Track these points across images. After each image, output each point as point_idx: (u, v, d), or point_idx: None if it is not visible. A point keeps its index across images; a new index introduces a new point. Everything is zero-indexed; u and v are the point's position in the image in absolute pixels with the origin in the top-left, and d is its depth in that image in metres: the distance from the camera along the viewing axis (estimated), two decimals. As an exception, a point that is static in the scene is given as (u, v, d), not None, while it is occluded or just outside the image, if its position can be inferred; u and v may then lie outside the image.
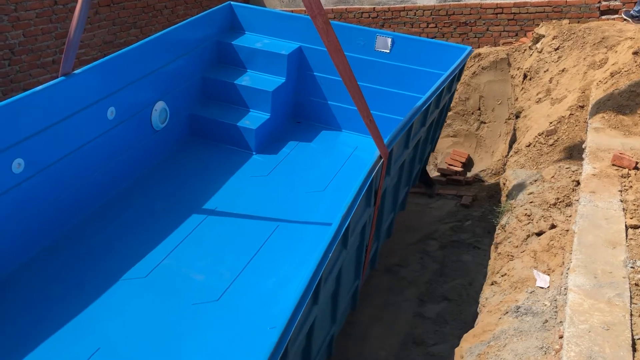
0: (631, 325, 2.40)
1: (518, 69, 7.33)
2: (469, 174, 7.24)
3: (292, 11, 8.61)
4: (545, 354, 2.68)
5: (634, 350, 2.30)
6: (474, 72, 7.60)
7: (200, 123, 5.00)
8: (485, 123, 7.52)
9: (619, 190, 3.42)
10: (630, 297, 2.56)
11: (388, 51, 5.20)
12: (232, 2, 5.54)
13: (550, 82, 6.00)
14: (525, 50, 7.56)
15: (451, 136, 7.59)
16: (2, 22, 6.28)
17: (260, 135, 4.91)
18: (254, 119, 4.96)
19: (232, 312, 3.29)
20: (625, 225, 3.08)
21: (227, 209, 4.16)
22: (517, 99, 6.84)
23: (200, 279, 3.51)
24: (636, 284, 2.66)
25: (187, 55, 4.92)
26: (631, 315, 2.45)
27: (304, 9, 4.99)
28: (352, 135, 5.21)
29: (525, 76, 6.79)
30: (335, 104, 5.31)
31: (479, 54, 7.88)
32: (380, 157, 3.57)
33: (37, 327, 3.14)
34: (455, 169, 7.25)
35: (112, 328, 3.16)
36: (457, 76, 5.32)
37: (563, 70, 5.98)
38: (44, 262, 3.58)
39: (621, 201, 3.31)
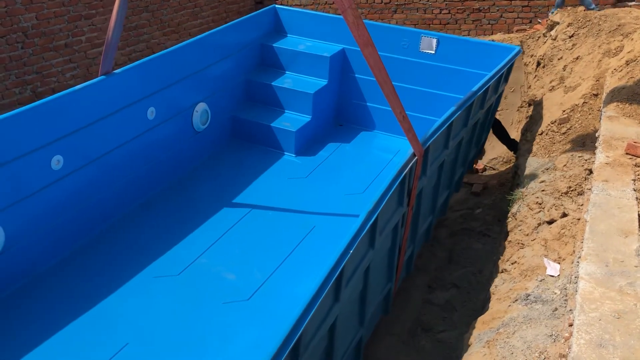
0: (642, 314, 2.39)
1: (532, 56, 7.26)
2: (480, 162, 7.20)
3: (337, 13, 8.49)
4: (555, 341, 2.68)
5: (645, 338, 2.30)
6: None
7: (241, 125, 5.03)
8: (498, 111, 7.46)
9: (633, 180, 3.40)
10: (642, 286, 2.55)
11: (433, 52, 5.14)
12: (276, 5, 5.56)
13: (564, 70, 5.94)
14: (539, 37, 7.49)
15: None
16: (15, 4, 6.30)
17: (300, 137, 4.92)
18: (294, 121, 4.97)
19: (261, 313, 3.30)
20: (638, 214, 3.06)
21: (263, 210, 4.19)
22: (530, 86, 6.79)
23: (232, 279, 3.54)
24: (648, 273, 2.65)
25: (230, 58, 4.94)
26: (642, 304, 2.44)
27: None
28: (394, 138, 5.17)
29: (538, 64, 6.73)
30: (378, 106, 5.26)
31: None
32: (414, 155, 3.49)
33: (68, 321, 3.19)
34: (467, 156, 7.21)
35: (142, 324, 3.20)
36: (504, 76, 5.19)
37: (577, 58, 5.92)
38: (82, 257, 3.64)
39: (634, 190, 3.28)
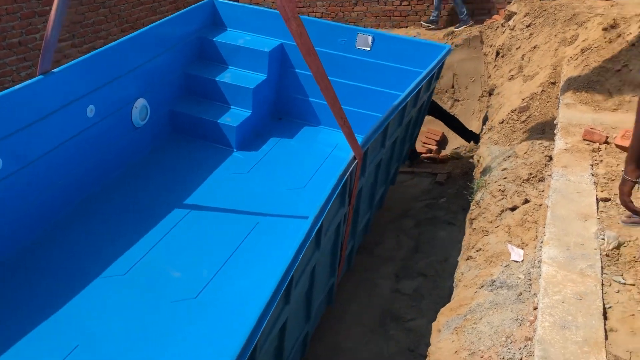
0: (602, 294, 2.46)
1: (491, 46, 7.38)
2: (443, 152, 7.30)
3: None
4: (520, 325, 2.74)
5: (605, 318, 2.37)
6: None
7: (181, 120, 4.99)
8: (458, 101, 7.58)
9: (590, 165, 3.49)
10: (602, 268, 2.63)
11: (369, 49, 5.24)
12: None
13: (523, 59, 6.06)
14: (497, 27, 7.60)
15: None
16: (-35, 2, 6.09)
17: (241, 132, 4.92)
18: (235, 116, 4.96)
19: (210, 310, 3.31)
20: (596, 198, 3.14)
21: (206, 207, 4.17)
22: (489, 76, 6.89)
23: (179, 277, 3.53)
24: (607, 255, 2.73)
25: (168, 52, 4.88)
26: (602, 285, 2.52)
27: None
28: (334, 132, 5.23)
29: (497, 53, 6.84)
30: (318, 100, 5.32)
31: (452, 32, 7.90)
32: (355, 158, 3.59)
33: (15, 324, 3.12)
34: (430, 147, 7.31)
35: (91, 326, 3.16)
36: (435, 75, 5.36)
37: (535, 47, 6.03)
38: (24, 260, 3.55)
39: (592, 175, 3.37)
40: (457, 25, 8.31)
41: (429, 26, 8.43)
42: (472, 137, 6.58)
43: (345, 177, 3.46)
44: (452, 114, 7.31)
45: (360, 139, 3.75)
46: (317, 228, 3.06)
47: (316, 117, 5.36)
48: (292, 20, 2.64)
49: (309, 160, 4.82)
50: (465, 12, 8.15)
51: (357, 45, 5.27)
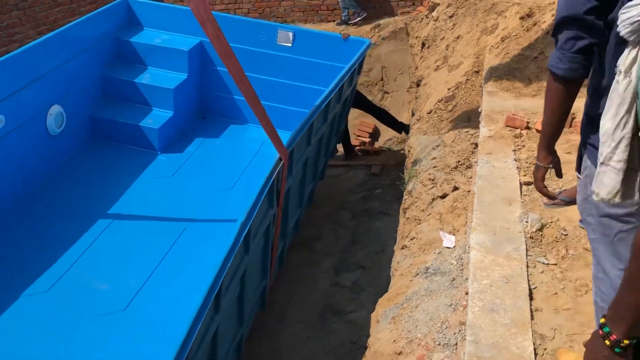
0: (528, 276, 2.56)
1: (416, 37, 7.51)
2: (376, 144, 7.40)
3: None
4: (454, 310, 2.81)
5: (531, 299, 2.46)
6: (375, 43, 7.71)
7: (100, 125, 4.81)
8: (388, 93, 7.68)
9: (513, 150, 3.61)
10: (526, 250, 2.73)
11: (290, 45, 5.24)
12: None
13: (447, 50, 6.20)
14: (422, 19, 7.75)
15: (357, 107, 7.70)
16: None
17: (164, 134, 4.80)
18: (156, 118, 4.83)
19: (140, 321, 3.22)
20: (520, 182, 3.26)
21: (131, 214, 4.04)
22: (417, 67, 7.02)
23: (105, 289, 3.40)
24: (531, 237, 2.84)
25: (82, 55, 4.67)
26: (527, 266, 2.61)
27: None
28: (260, 128, 5.18)
29: (423, 45, 6.98)
30: (241, 98, 5.25)
31: (379, 25, 8.00)
32: (281, 159, 3.57)
33: None
34: (363, 139, 7.38)
35: (15, 345, 3.01)
36: (357, 69, 5.43)
37: (458, 37, 6.19)
38: None
39: (515, 160, 3.49)
40: (338, 22, 8.52)
41: (343, 26, 8.56)
42: (402, 128, 6.71)
43: (272, 179, 3.43)
44: (382, 106, 7.42)
45: (286, 136, 3.74)
46: (244, 234, 3.02)
47: (241, 115, 5.31)
48: (208, 23, 2.59)
49: (236, 159, 4.76)
50: (352, 8, 8.38)
51: (278, 41, 5.27)
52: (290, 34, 5.24)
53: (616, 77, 1.29)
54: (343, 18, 8.63)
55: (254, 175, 4.52)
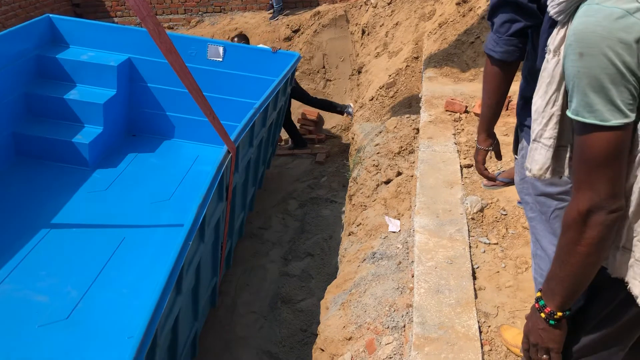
0: (470, 256, 2.62)
1: (356, 25, 7.55)
2: (320, 132, 7.41)
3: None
4: (402, 293, 2.86)
5: (475, 278, 2.53)
6: (315, 31, 7.71)
7: (26, 142, 4.63)
8: (330, 80, 7.70)
9: (453, 134, 3.69)
10: (468, 231, 2.80)
11: (221, 59, 5.22)
12: (50, 15, 5.14)
13: (387, 36, 6.26)
14: (361, 6, 7.79)
15: (300, 96, 7.69)
16: None
17: (95, 149, 4.69)
18: (86, 134, 4.71)
19: (84, 328, 3.15)
20: (460, 165, 3.34)
21: (65, 228, 3.92)
22: (358, 54, 7.06)
23: (44, 300, 3.30)
24: (472, 219, 2.91)
25: (2, 71, 4.49)
26: (470, 247, 2.69)
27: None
28: (191, 144, 5.21)
29: (363, 32, 7.02)
30: (172, 114, 5.26)
31: (319, 12, 7.99)
32: (229, 152, 3.60)
33: None
34: (308, 128, 7.38)
35: None
36: (290, 80, 5.51)
37: (397, 24, 6.26)
38: None
39: (455, 144, 3.57)
40: (273, 16, 8.53)
41: (277, 17, 8.51)
42: (344, 109, 6.74)
43: (222, 170, 3.42)
44: (325, 94, 7.44)
45: (218, 150, 3.76)
46: (202, 217, 3.01)
47: (172, 131, 5.28)
48: (149, 19, 2.54)
49: (170, 174, 4.71)
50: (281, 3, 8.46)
51: (208, 56, 5.25)
52: (221, 49, 5.23)
53: (546, 56, 1.33)
54: (276, 7, 8.56)
55: (189, 188, 4.51)
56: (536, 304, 1.34)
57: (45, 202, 4.15)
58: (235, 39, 6.14)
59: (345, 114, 6.75)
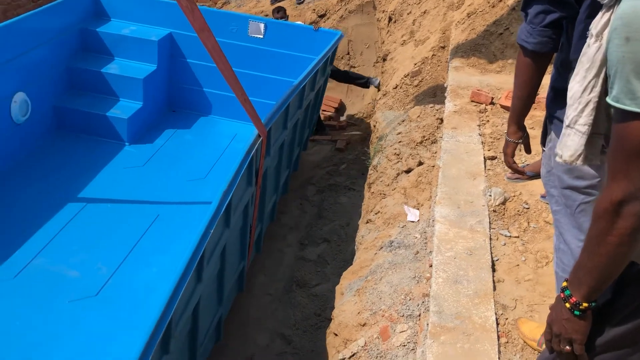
0: (490, 248, 2.60)
1: (383, 11, 7.48)
2: (342, 119, 7.39)
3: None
4: (418, 282, 2.84)
5: (494, 270, 2.51)
6: (342, 16, 7.66)
7: (67, 115, 4.66)
8: (354, 67, 7.65)
9: (478, 125, 3.65)
10: (490, 223, 2.77)
11: (262, 36, 5.18)
12: None
13: (414, 24, 6.19)
14: (389, -7, 7.71)
15: (323, 81, 7.65)
16: None
17: (133, 124, 4.69)
18: (125, 109, 4.71)
19: (112, 305, 3.17)
20: (484, 157, 3.30)
21: (100, 202, 3.95)
22: (383, 42, 7.01)
23: (76, 275, 3.33)
24: (494, 211, 2.88)
25: (47, 44, 4.52)
26: (490, 239, 2.66)
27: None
28: (230, 122, 5.17)
29: (390, 19, 6.95)
30: (211, 90, 5.21)
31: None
32: (259, 136, 3.55)
33: None
34: (329, 114, 7.36)
35: None
36: (329, 59, 5.42)
37: (425, 12, 6.18)
38: None
39: (480, 135, 3.53)
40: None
41: (303, 1, 8.45)
42: (370, 82, 6.69)
43: (252, 154, 3.39)
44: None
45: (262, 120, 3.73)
46: (226, 203, 2.98)
47: (211, 108, 5.25)
48: None
49: (207, 152, 4.70)
50: None
51: (249, 33, 5.20)
52: (262, 26, 5.18)
53: (587, 40, 1.30)
54: None
55: (226, 167, 4.46)
56: (561, 294, 1.32)
57: (83, 177, 4.17)
58: (277, 14, 6.11)
59: (369, 86, 6.69)
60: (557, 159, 1.44)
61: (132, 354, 2.08)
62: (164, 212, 3.93)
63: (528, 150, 2.19)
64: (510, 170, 3.08)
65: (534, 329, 2.19)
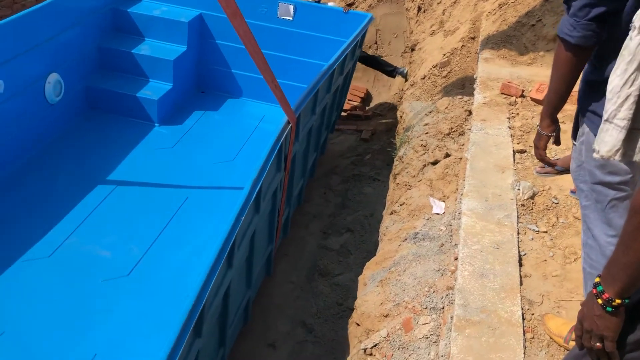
0: (518, 242, 2.57)
1: (413, 1, 7.39)
2: (367, 109, 7.34)
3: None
4: (442, 275, 2.83)
5: (520, 265, 2.48)
6: (370, 5, 7.59)
7: (98, 95, 4.74)
8: (382, 57, 7.58)
9: (507, 118, 3.59)
10: (517, 217, 2.74)
11: (291, 18, 5.16)
12: None
13: (443, 14, 6.12)
14: (419, -18, 7.61)
15: (349, 71, 7.60)
16: None
17: (163, 105, 4.74)
18: (155, 89, 4.77)
19: (145, 286, 3.23)
20: (513, 150, 3.25)
21: (131, 183, 4.01)
22: (412, 31, 6.93)
23: (108, 255, 3.40)
24: (522, 205, 2.84)
25: (80, 25, 4.58)
26: (518, 233, 2.63)
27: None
28: (259, 104, 5.18)
29: (419, 9, 6.87)
30: (241, 72, 5.22)
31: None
32: (289, 123, 3.56)
33: None
34: (354, 103, 7.32)
35: (16, 311, 3.00)
36: (359, 42, 5.37)
37: (455, 2, 6.10)
38: None
39: (509, 128, 3.48)
40: None
41: None
42: (396, 71, 6.61)
43: (281, 140, 3.41)
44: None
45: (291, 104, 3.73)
46: (257, 190, 3.01)
47: (240, 90, 5.26)
48: None
49: (236, 133, 4.73)
50: None
51: (278, 14, 5.18)
52: (291, 7, 5.16)
53: (630, 33, 1.26)
54: None
55: (254, 149, 4.50)
56: (594, 289, 1.29)
57: (114, 158, 4.24)
58: None
59: (396, 75, 6.62)
60: (594, 154, 1.41)
61: (165, 335, 2.11)
62: (193, 195, 3.98)
63: (558, 142, 2.15)
64: (539, 164, 3.03)
65: (561, 325, 2.16)
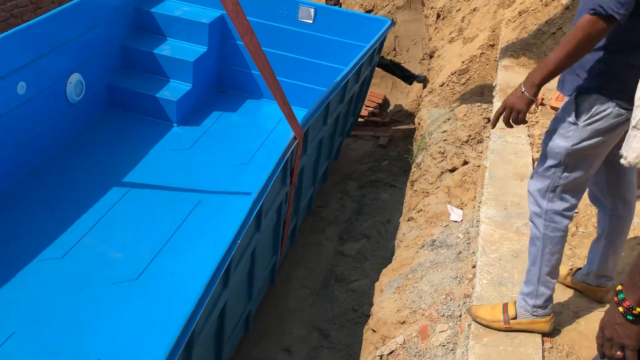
0: (537, 251, 2.55)
1: (432, 8, 7.38)
2: (385, 115, 7.34)
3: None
4: (460, 283, 2.82)
5: (540, 274, 2.45)
6: (389, 12, 7.60)
7: (119, 94, 4.81)
8: (401, 63, 7.58)
9: (527, 126, 3.58)
10: (536, 226, 2.72)
11: (311, 22, 5.19)
12: None
13: (463, 22, 6.10)
14: (438, -11, 7.60)
15: (367, 77, 7.60)
16: None
17: (182, 106, 4.80)
18: (175, 90, 4.82)
19: (151, 291, 3.27)
20: (532, 158, 3.24)
21: (147, 184, 4.07)
22: (430, 38, 6.93)
23: (119, 258, 3.45)
24: (541, 214, 2.82)
25: (103, 25, 4.66)
26: (537, 242, 2.60)
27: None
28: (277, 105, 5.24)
29: (438, 15, 6.87)
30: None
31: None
32: (295, 138, 3.57)
33: None
34: (372, 110, 7.32)
35: (27, 311, 3.06)
36: (377, 49, 5.37)
37: (474, 10, 6.09)
38: None
39: (528, 136, 3.46)
40: None
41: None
42: (414, 78, 6.59)
43: (286, 158, 3.41)
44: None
45: (303, 114, 3.74)
46: (255, 213, 3.00)
47: (260, 91, 5.30)
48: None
49: (253, 134, 4.78)
50: None
51: (299, 17, 5.22)
52: (312, 11, 5.19)
53: None
54: None
55: (270, 151, 4.53)
56: (615, 297, 1.29)
57: (131, 158, 4.30)
58: (330, 1, 6.10)
59: (413, 82, 6.60)
60: (622, 160, 1.40)
61: (161, 348, 2.12)
62: (206, 199, 4.01)
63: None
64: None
65: (490, 310, 2.15)
